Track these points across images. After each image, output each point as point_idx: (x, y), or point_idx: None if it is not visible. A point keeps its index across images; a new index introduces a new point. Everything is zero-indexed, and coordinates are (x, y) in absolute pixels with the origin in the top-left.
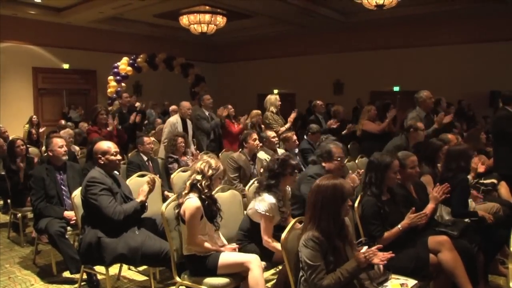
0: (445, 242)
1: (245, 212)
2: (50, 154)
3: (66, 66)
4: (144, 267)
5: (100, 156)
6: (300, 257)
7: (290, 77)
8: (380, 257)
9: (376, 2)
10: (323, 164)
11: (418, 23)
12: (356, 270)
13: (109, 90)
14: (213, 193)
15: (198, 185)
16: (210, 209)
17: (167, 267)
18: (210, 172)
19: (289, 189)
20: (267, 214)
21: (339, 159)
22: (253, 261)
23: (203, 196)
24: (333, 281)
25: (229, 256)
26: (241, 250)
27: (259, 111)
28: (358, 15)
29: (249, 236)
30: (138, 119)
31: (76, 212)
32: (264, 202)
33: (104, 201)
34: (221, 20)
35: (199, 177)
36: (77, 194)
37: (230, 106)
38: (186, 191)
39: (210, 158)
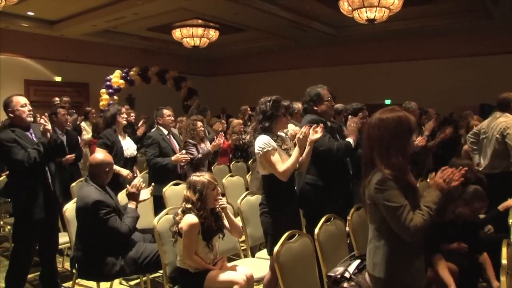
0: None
1: None
2: (11, 115)
3: (58, 79)
4: (136, 280)
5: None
6: (379, 205)
7: (283, 91)
8: (457, 177)
9: (367, 16)
10: (315, 108)
11: (409, 37)
12: (441, 198)
13: (101, 103)
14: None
15: (192, 212)
16: (209, 229)
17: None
18: (197, 195)
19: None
20: (266, 149)
21: (328, 99)
22: (240, 280)
23: (201, 219)
24: (424, 218)
25: (217, 275)
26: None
27: (239, 120)
28: (350, 29)
29: (267, 198)
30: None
31: (68, 226)
32: (258, 142)
33: (113, 223)
34: (213, 34)
35: (189, 205)
36: (69, 208)
37: (224, 121)
38: (179, 217)
39: (194, 177)
